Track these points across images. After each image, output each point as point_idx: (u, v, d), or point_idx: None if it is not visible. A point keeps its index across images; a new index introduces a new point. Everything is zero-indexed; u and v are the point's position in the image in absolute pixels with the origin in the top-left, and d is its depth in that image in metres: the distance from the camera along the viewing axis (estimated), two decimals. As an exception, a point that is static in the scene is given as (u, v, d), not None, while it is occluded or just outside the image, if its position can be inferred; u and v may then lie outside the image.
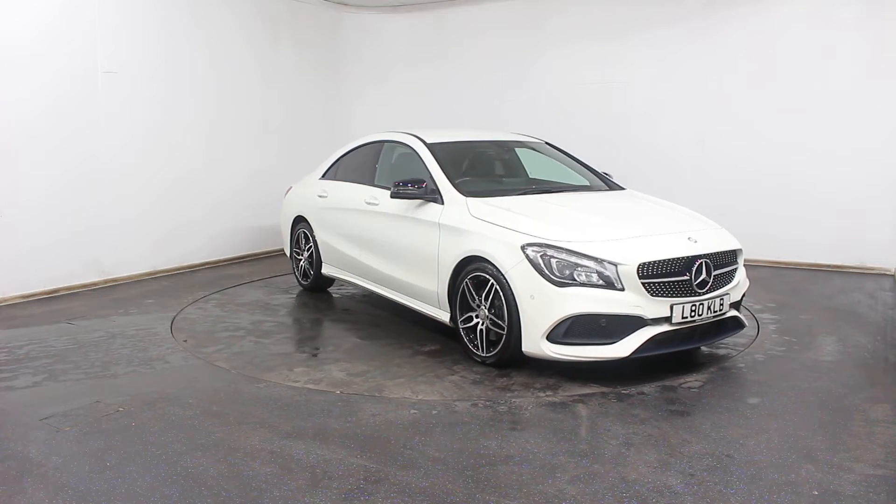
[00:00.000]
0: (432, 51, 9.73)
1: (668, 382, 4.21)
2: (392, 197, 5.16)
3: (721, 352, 4.81)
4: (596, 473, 3.08)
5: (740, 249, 4.68)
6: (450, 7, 9.54)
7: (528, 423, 3.63)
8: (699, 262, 4.29)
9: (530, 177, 5.94)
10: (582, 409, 3.82)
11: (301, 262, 6.79)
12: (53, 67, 6.47)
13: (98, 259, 6.98)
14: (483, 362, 4.52)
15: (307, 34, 9.42)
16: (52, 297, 6.46)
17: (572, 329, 4.11)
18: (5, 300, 6.23)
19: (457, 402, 3.92)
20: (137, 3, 7.18)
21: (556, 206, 4.91)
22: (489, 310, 4.43)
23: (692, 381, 4.26)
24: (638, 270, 4.11)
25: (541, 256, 4.17)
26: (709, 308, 4.33)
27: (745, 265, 4.82)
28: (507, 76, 9.22)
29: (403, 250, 5.25)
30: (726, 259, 4.52)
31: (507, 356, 4.36)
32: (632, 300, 4.10)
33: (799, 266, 7.67)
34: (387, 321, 5.74)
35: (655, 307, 4.15)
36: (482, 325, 4.50)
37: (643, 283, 4.11)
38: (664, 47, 8.23)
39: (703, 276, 4.30)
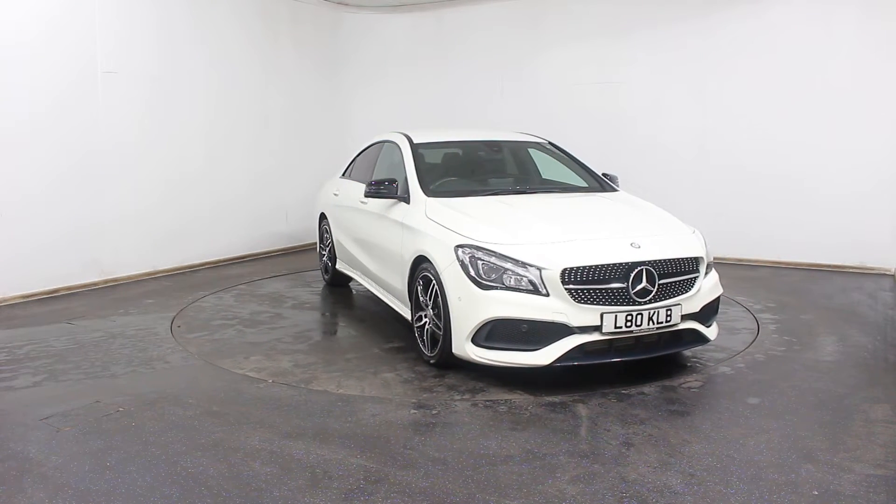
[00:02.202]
0: (432, 50, 9.73)
1: (668, 382, 4.21)
2: (365, 196, 5.31)
3: (721, 352, 4.81)
4: (596, 473, 3.08)
5: (701, 258, 4.35)
6: (450, 7, 9.54)
7: (528, 423, 3.63)
8: (639, 269, 4.04)
9: (523, 176, 5.88)
10: (582, 409, 3.82)
11: (324, 258, 7.07)
12: (53, 67, 6.47)
13: (98, 259, 6.98)
14: (429, 362, 4.55)
15: (307, 34, 9.42)
16: (52, 297, 6.46)
17: (494, 333, 4.04)
18: (5, 300, 6.23)
19: (457, 402, 3.93)
20: (137, 3, 7.18)
21: (512, 207, 4.77)
22: (433, 309, 4.45)
23: (692, 381, 4.26)
24: (561, 276, 3.96)
25: (469, 258, 4.14)
26: (650, 319, 4.06)
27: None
28: (507, 75, 9.22)
29: (379, 248, 5.41)
30: (678, 267, 4.21)
31: (444, 357, 4.35)
32: (555, 306, 3.95)
33: (799, 266, 7.66)
34: (377, 318, 5.81)
35: (582, 315, 3.96)
36: (429, 324, 4.52)
37: (567, 290, 3.95)
38: (664, 47, 8.23)
39: (644, 284, 4.03)
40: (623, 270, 4.04)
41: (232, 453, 3.30)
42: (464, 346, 4.13)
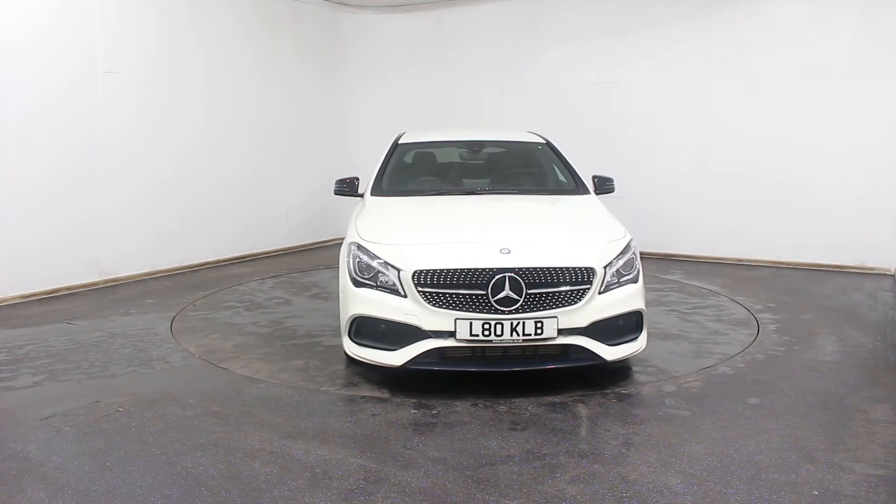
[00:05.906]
0: (432, 50, 9.73)
1: (667, 382, 4.21)
2: (335, 193, 5.47)
3: (721, 352, 4.81)
4: (596, 473, 3.08)
5: (592, 268, 3.96)
6: (450, 7, 9.54)
7: (528, 423, 3.63)
8: (501, 276, 3.82)
9: (504, 176, 5.80)
10: (582, 409, 3.82)
11: None
12: (52, 66, 6.47)
13: (97, 258, 6.98)
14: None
15: (307, 34, 9.43)
16: (51, 297, 6.46)
17: (360, 330, 4.13)
18: (5, 300, 6.23)
19: (459, 400, 3.92)
20: (137, 3, 7.18)
21: (431, 208, 4.85)
22: None
23: (692, 381, 4.26)
24: (413, 277, 3.90)
25: (352, 255, 4.22)
26: (514, 330, 3.82)
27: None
28: (507, 76, 9.22)
29: None
30: (555, 277, 3.89)
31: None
32: (409, 308, 3.90)
33: (799, 266, 7.66)
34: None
35: (435, 319, 3.85)
36: None
37: (420, 292, 3.88)
38: (664, 47, 8.24)
39: (507, 292, 3.81)
40: (485, 277, 3.84)
41: (232, 453, 3.29)
42: (343, 340, 4.25)
